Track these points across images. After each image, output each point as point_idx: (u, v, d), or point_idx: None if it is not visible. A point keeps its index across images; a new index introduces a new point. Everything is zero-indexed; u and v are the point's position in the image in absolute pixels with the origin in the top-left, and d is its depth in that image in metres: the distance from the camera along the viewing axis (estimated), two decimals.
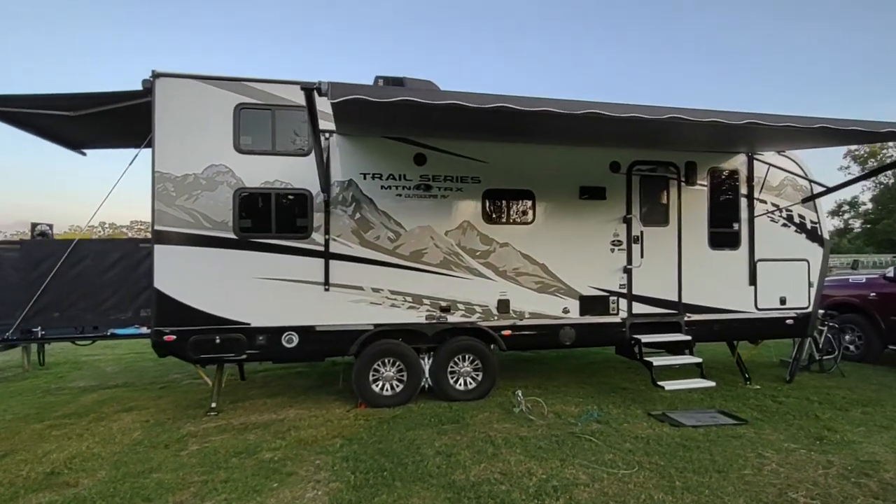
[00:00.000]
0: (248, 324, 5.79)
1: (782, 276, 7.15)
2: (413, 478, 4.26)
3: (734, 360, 7.61)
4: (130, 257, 5.82)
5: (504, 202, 6.50)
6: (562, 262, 6.55)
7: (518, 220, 6.52)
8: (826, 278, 10.36)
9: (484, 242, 6.37)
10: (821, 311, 8.75)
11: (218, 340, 5.71)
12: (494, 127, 5.55)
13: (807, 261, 7.22)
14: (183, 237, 5.66)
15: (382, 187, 6.14)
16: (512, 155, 6.44)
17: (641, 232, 6.72)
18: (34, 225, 7.30)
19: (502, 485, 4.10)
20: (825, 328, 8.17)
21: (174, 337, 5.63)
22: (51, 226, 7.52)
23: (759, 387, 7.18)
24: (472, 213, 6.35)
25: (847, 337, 9.04)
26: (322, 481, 4.28)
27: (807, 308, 7.23)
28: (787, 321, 7.18)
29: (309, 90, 3.88)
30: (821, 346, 8.05)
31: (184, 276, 5.66)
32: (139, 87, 5.69)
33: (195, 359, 5.74)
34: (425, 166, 6.23)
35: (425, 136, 6.18)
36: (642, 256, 6.70)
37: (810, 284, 7.23)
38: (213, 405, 6.10)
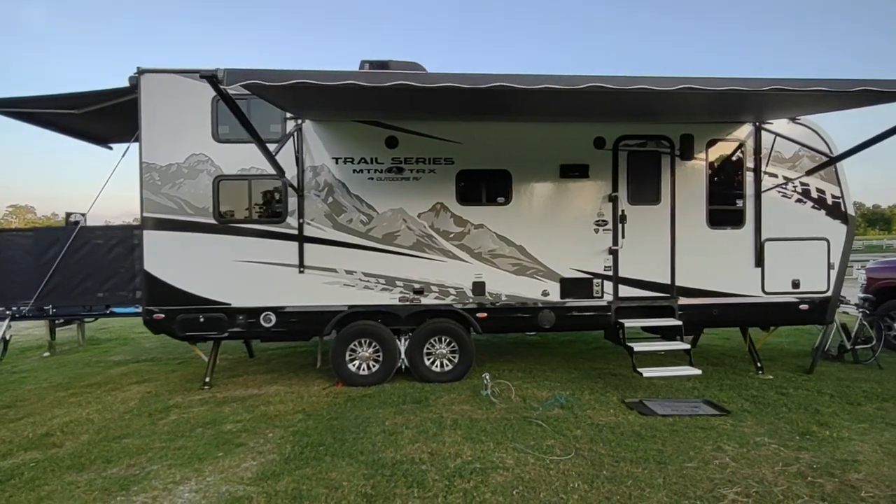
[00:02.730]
0: (229, 304, 6.14)
1: (796, 256, 6.49)
2: (344, 453, 4.38)
3: (746, 347, 7.06)
4: (126, 242, 6.34)
5: (479, 183, 6.37)
6: (541, 244, 6.35)
7: (494, 200, 6.38)
8: (880, 259, 9.32)
9: (458, 224, 6.31)
10: (861, 296, 7.93)
11: (202, 319, 6.10)
12: (446, 107, 5.46)
13: (826, 240, 6.51)
14: (168, 223, 6.08)
15: (354, 171, 6.23)
16: (487, 134, 6.29)
17: (622, 211, 6.35)
18: (68, 214, 8.08)
19: (423, 465, 4.12)
20: (860, 315, 7.35)
21: (163, 316, 6.08)
22: (84, 215, 8.29)
23: (771, 377, 6.63)
24: (446, 194, 6.29)
25: None
26: (263, 452, 4.51)
27: (825, 292, 6.54)
28: (801, 306, 6.53)
29: (208, 77, 4.01)
30: (853, 334, 7.27)
31: (170, 260, 6.08)
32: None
33: (182, 336, 6.17)
34: (397, 149, 6.24)
35: (394, 119, 6.18)
36: (623, 237, 6.33)
37: (830, 266, 6.52)
38: (207, 380, 6.54)
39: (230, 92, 4.52)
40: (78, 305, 6.48)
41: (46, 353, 9.19)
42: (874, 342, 7.26)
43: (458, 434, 4.72)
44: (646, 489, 3.69)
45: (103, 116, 6.89)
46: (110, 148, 8.62)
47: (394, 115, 6.09)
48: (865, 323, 7.32)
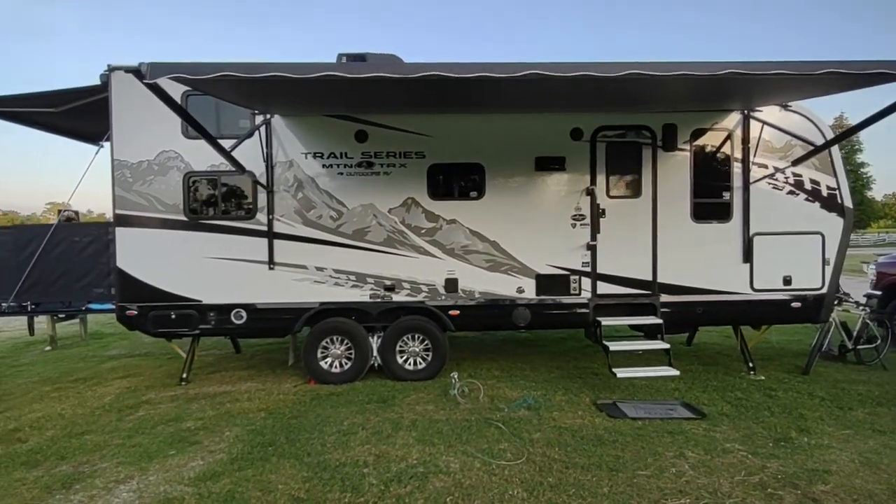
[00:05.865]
0: (200, 301, 6.13)
1: (788, 251, 6.14)
2: (291, 454, 4.31)
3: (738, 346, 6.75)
4: (100, 240, 6.39)
5: (451, 177, 6.22)
6: (515, 239, 6.16)
7: (466, 195, 6.21)
8: (892, 254, 8.81)
9: (429, 219, 6.16)
10: (866, 293, 7.50)
11: (173, 316, 6.11)
12: (410, 100, 5.31)
13: (821, 234, 6.13)
14: (139, 220, 6.09)
15: (324, 166, 6.13)
16: (459, 127, 6.11)
17: (598, 204, 6.10)
18: (60, 211, 8.23)
19: (366, 468, 4.01)
20: (862, 313, 6.94)
21: (135, 312, 6.11)
22: (77, 212, 8.44)
23: (763, 378, 6.31)
24: (417, 189, 6.14)
25: None
26: (214, 452, 4.47)
27: (820, 289, 6.17)
28: (793, 304, 6.18)
29: (133, 72, 3.94)
30: (854, 333, 6.86)
31: (142, 256, 6.09)
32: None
33: (155, 333, 6.19)
34: (367, 143, 6.11)
35: (363, 112, 6.05)
36: (599, 232, 6.08)
37: (825, 262, 6.14)
38: (184, 376, 6.56)
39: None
40: (57, 302, 6.57)
41: (48, 348, 9.42)
42: (879, 342, 6.85)
43: (411, 436, 4.60)
44: (588, 498, 3.50)
45: (87, 114, 6.92)
46: (101, 146, 8.71)
47: (361, 109, 5.97)
48: (870, 322, 6.90)
